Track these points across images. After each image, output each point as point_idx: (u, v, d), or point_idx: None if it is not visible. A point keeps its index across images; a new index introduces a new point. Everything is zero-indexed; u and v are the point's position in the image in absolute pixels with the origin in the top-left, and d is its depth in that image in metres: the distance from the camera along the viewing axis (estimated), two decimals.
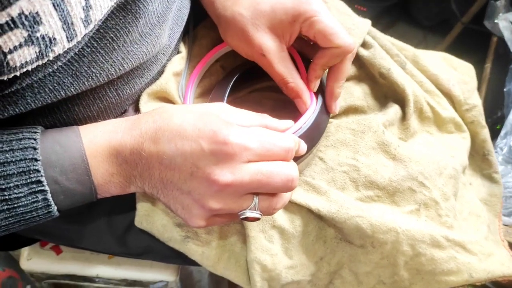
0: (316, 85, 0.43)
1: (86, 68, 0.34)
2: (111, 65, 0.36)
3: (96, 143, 0.33)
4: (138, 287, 0.61)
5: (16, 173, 0.30)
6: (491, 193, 0.57)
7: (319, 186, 0.44)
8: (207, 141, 0.31)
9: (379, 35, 0.54)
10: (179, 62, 0.46)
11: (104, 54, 0.35)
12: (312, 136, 0.41)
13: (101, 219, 0.45)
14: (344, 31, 0.41)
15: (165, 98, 0.45)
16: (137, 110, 0.43)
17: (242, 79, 0.46)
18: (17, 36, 0.26)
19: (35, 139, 0.31)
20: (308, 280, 0.46)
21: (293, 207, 0.44)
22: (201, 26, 0.50)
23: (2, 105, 0.31)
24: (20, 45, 0.26)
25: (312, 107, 0.42)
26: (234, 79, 0.44)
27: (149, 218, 0.43)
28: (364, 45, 0.52)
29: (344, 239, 0.45)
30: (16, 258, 0.84)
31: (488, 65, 0.93)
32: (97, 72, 0.35)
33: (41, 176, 0.30)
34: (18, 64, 0.27)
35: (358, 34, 0.51)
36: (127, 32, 0.35)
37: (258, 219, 0.34)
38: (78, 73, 0.34)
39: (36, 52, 0.27)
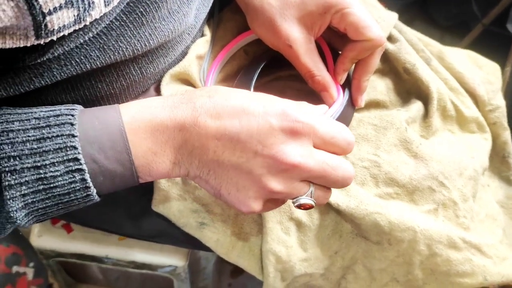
0: (343, 78, 0.43)
1: (113, 42, 0.34)
2: (138, 40, 0.35)
3: (137, 119, 0.31)
4: (146, 270, 0.61)
5: (52, 149, 0.29)
6: (508, 195, 0.56)
7: None
8: (277, 118, 0.30)
9: (405, 29, 0.53)
10: (203, 45, 0.46)
11: (132, 29, 0.34)
12: None
13: (118, 200, 0.45)
14: (376, 24, 0.40)
15: (187, 81, 0.45)
16: (158, 90, 0.43)
17: (266, 66, 0.45)
18: None
19: (73, 115, 0.30)
20: (321, 273, 0.46)
21: None
22: (227, 10, 0.50)
23: (29, 77, 0.31)
24: (60, 7, 0.26)
25: (339, 100, 0.41)
26: (261, 67, 0.43)
27: (166, 203, 0.43)
28: (390, 38, 0.51)
29: (360, 234, 0.45)
30: (23, 235, 0.84)
31: (508, 68, 0.91)
32: (124, 46, 0.34)
33: (79, 153, 0.29)
34: (56, 27, 0.26)
35: (384, 27, 0.50)
36: (156, 8, 0.35)
37: (312, 207, 0.33)
38: (105, 47, 0.33)
39: (74, 15, 0.27)
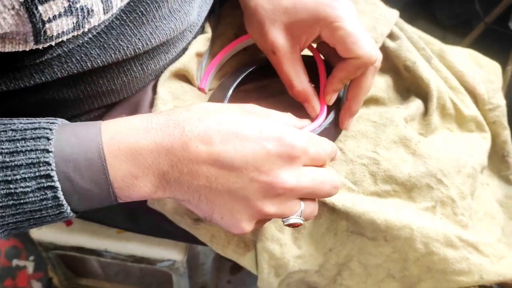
0: (332, 98, 0.41)
1: (114, 41, 0.34)
2: (139, 39, 0.35)
3: (118, 141, 0.29)
4: (145, 264, 0.62)
5: (24, 164, 0.27)
6: (507, 195, 0.56)
7: None
8: (273, 143, 0.30)
9: (406, 27, 0.53)
10: (203, 43, 0.46)
11: (132, 28, 0.34)
12: None
13: None
14: (369, 40, 0.38)
15: (185, 77, 0.45)
16: (154, 88, 0.43)
17: (256, 72, 0.44)
18: (58, 5, 0.25)
19: (50, 129, 0.28)
20: (315, 270, 0.46)
21: None
22: (227, 6, 0.49)
23: (29, 73, 0.31)
24: (60, 15, 0.26)
25: (319, 120, 0.40)
26: (242, 76, 0.43)
27: (161, 200, 0.43)
28: (391, 36, 0.51)
29: (356, 231, 0.45)
30: None
31: (509, 67, 0.91)
32: (125, 45, 0.34)
33: (52, 170, 0.27)
34: (55, 34, 0.27)
35: (385, 24, 0.50)
36: (157, 7, 0.35)
37: (300, 225, 0.34)
38: (106, 45, 0.33)
39: (73, 22, 0.27)
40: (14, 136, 0.28)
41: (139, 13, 0.34)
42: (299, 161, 0.31)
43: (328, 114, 0.41)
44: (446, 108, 0.51)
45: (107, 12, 0.29)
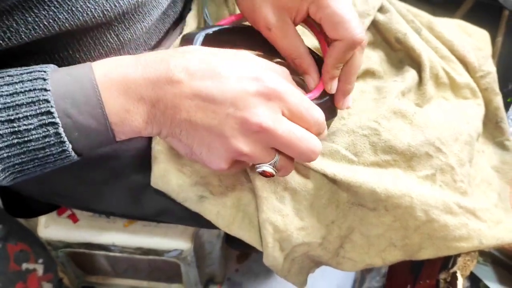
0: (333, 86, 0.41)
1: (81, 3, 0.34)
2: (106, 0, 0.35)
3: (110, 77, 0.31)
4: (153, 256, 0.63)
5: (25, 103, 0.29)
6: (503, 160, 0.57)
7: (337, 151, 0.44)
8: (251, 82, 0.31)
9: (394, 1, 0.53)
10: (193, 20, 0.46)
11: None
12: None
13: (117, 180, 0.46)
14: (354, 21, 0.37)
15: None
16: None
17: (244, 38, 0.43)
18: None
19: (45, 71, 0.30)
20: (319, 242, 0.46)
21: (306, 170, 0.45)
22: None
23: None
24: None
25: (315, 92, 0.40)
26: (216, 28, 0.41)
27: (165, 178, 0.44)
28: (381, 9, 0.51)
29: (357, 202, 0.46)
30: (30, 229, 0.85)
31: (499, 39, 0.92)
32: (92, 7, 0.35)
33: (51, 106, 0.29)
34: None
35: None
36: None
37: (272, 175, 0.35)
38: (73, 8, 0.34)
39: None
40: (12, 79, 0.30)
41: None
42: (275, 105, 0.32)
43: (325, 94, 0.41)
44: (439, 77, 0.51)
45: None
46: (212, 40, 0.40)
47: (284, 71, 0.35)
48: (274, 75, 0.33)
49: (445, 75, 0.51)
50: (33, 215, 0.56)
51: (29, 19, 0.32)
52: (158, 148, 0.44)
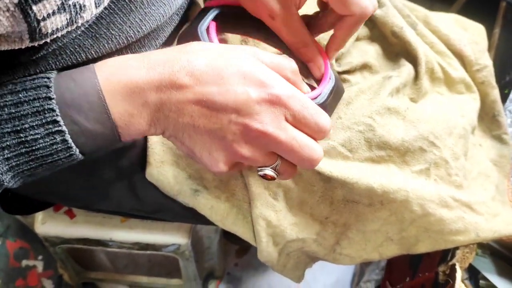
0: (335, 55, 0.41)
1: (105, 30, 0.34)
2: (129, 26, 0.36)
3: (113, 81, 0.31)
4: (151, 251, 0.63)
5: (30, 113, 0.29)
6: (500, 154, 0.57)
7: (333, 147, 0.44)
8: (255, 89, 0.31)
9: None
10: None
11: (122, 16, 0.35)
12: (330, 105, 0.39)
13: (114, 179, 0.46)
14: None
15: None
16: None
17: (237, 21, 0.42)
18: (51, 4, 0.26)
19: (48, 78, 0.30)
20: (313, 239, 0.47)
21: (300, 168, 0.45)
22: None
23: (24, 67, 0.32)
24: (53, 13, 0.27)
25: (328, 74, 0.40)
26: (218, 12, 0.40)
27: (160, 169, 0.44)
28: (377, 3, 0.51)
29: (352, 199, 0.46)
30: (28, 226, 0.85)
31: (496, 30, 0.91)
32: (116, 34, 0.35)
33: (57, 115, 0.29)
34: (49, 31, 0.28)
35: None
36: None
37: (274, 179, 0.35)
38: (97, 35, 0.34)
39: (67, 19, 0.28)
40: (15, 88, 0.29)
41: (126, 1, 0.35)
42: (278, 112, 0.32)
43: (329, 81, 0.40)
44: (434, 72, 0.51)
45: (98, 6, 0.30)
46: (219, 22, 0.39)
47: (292, 66, 0.34)
48: (279, 79, 0.32)
49: (440, 70, 0.51)
50: (30, 212, 0.56)
51: (56, 48, 0.32)
52: (154, 139, 0.44)
